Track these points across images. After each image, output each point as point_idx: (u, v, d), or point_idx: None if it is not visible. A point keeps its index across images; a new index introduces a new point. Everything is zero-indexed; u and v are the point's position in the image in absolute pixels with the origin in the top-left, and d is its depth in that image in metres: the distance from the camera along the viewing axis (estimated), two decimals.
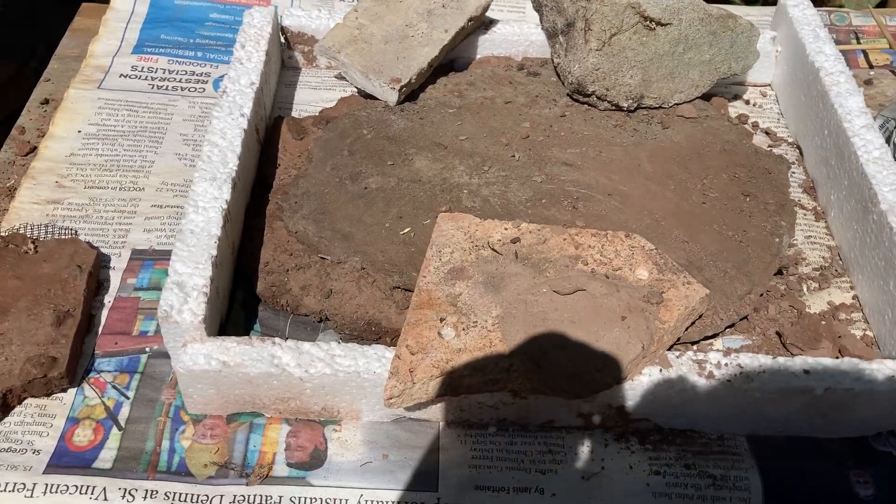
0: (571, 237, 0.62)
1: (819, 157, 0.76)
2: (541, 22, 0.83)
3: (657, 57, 0.76)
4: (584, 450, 0.57)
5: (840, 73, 0.76)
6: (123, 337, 0.62)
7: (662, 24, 0.75)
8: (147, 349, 0.61)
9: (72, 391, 0.58)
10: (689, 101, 0.80)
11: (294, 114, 0.82)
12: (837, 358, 0.61)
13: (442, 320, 0.55)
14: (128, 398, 0.58)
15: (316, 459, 0.55)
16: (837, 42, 0.94)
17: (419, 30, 0.80)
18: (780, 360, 0.56)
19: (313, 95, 0.84)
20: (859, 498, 0.55)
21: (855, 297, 0.67)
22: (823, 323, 0.64)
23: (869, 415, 0.57)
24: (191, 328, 0.55)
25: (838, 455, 0.57)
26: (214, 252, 0.59)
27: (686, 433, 0.58)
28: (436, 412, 0.57)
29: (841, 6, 1.11)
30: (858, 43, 0.94)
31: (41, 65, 0.89)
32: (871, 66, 0.91)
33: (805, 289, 0.68)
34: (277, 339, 0.55)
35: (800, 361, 0.56)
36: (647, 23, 0.74)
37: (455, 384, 0.53)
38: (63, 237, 0.68)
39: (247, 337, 0.55)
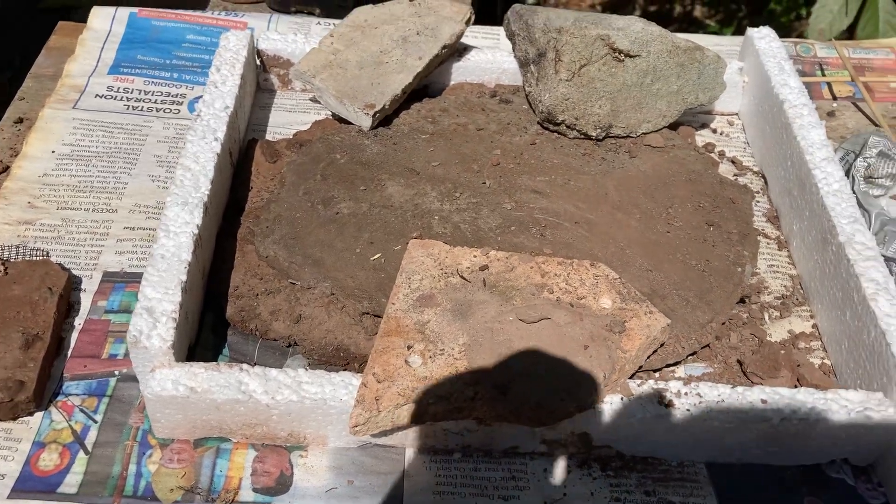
0: (538, 265, 0.63)
1: (782, 188, 0.78)
2: (513, 50, 0.84)
3: (625, 87, 0.78)
4: (547, 476, 0.58)
5: (803, 105, 0.78)
6: (93, 360, 0.62)
7: (631, 56, 0.77)
8: (116, 372, 0.62)
9: (39, 414, 0.59)
10: (657, 131, 0.81)
11: (268, 136, 0.83)
12: (796, 387, 0.63)
13: (409, 348, 0.56)
14: (95, 422, 0.59)
15: (282, 485, 0.56)
16: (803, 73, 0.96)
17: (394, 56, 0.81)
18: (739, 389, 0.58)
19: (288, 118, 0.85)
20: None
21: (815, 325, 0.69)
22: (783, 352, 0.65)
23: (823, 443, 0.58)
24: (159, 353, 0.55)
25: (793, 482, 0.59)
26: (184, 277, 0.59)
27: (647, 460, 0.59)
28: (402, 438, 0.58)
29: (807, 37, 1.14)
30: (823, 74, 0.97)
31: (15, 76, 0.89)
32: (834, 98, 0.94)
33: (766, 317, 0.69)
34: (245, 366, 0.56)
35: (757, 391, 0.58)
36: (616, 54, 0.76)
37: (420, 412, 0.54)
38: (35, 259, 0.68)
39: (215, 363, 0.56)
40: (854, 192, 0.73)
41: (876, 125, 0.87)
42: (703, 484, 0.58)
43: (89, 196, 0.75)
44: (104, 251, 0.70)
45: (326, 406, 0.55)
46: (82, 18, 0.94)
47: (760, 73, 0.84)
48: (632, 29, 0.76)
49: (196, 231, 0.63)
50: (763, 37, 0.87)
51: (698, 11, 2.57)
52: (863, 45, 1.01)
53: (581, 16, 0.77)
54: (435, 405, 0.54)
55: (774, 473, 0.59)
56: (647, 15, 2.38)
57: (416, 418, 0.54)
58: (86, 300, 0.66)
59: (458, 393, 0.54)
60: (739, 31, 2.14)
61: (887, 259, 0.67)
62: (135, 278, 0.68)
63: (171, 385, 0.55)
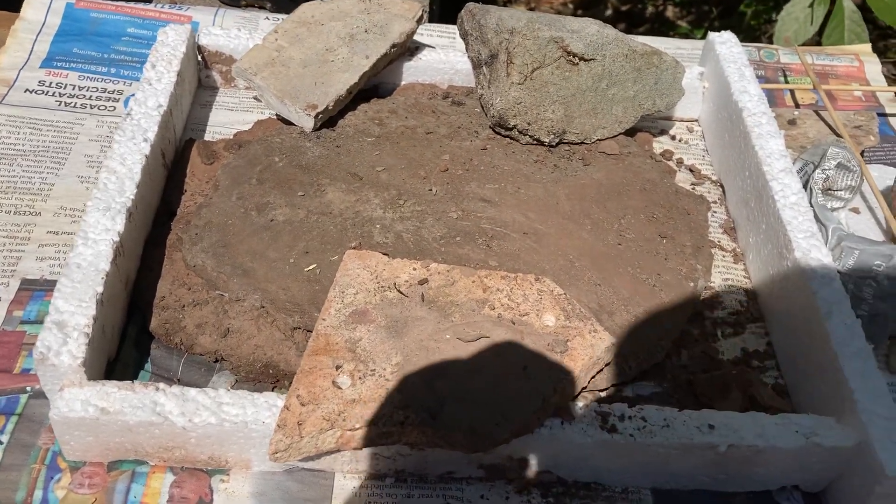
0: (480, 279, 0.60)
1: (740, 198, 0.75)
2: (466, 51, 0.81)
3: (580, 92, 0.75)
4: (484, 502, 0.55)
5: (763, 114, 0.76)
6: (4, 375, 0.58)
7: (586, 60, 0.74)
8: (28, 388, 0.58)
9: None
10: (613, 137, 0.79)
11: (208, 136, 0.79)
12: (747, 409, 0.60)
13: (338, 368, 0.53)
14: (1, 443, 0.55)
15: None
16: (765, 79, 0.94)
17: (340, 55, 0.77)
18: (686, 413, 0.55)
19: (229, 117, 0.81)
20: None
21: (769, 343, 0.67)
22: (735, 371, 0.63)
23: (773, 470, 0.56)
24: (69, 371, 0.52)
25: None
26: (101, 289, 0.55)
27: (590, 486, 0.56)
28: (330, 462, 0.55)
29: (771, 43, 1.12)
30: (787, 81, 0.95)
31: None
32: (797, 106, 0.91)
33: (719, 334, 0.67)
34: (162, 385, 0.52)
35: (705, 415, 0.55)
36: (570, 58, 0.73)
37: (347, 438, 0.50)
38: None
39: (129, 382, 0.52)
40: (811, 205, 0.70)
41: (837, 134, 0.85)
42: None
43: (11, 197, 0.70)
44: (24, 257, 0.66)
45: (248, 429, 0.51)
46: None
47: (720, 79, 0.81)
48: (587, 31, 0.74)
49: (117, 238, 0.59)
50: (724, 42, 0.84)
51: (670, 12, 2.56)
52: (827, 52, 0.99)
53: (535, 16, 0.74)
54: (363, 430, 0.50)
55: (723, 500, 0.57)
56: (618, 15, 2.36)
57: (343, 444, 0.51)
58: (0, 309, 0.62)
59: (387, 417, 0.50)
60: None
61: (843, 276, 0.64)
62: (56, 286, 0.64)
63: (81, 406, 0.51)
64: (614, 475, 0.56)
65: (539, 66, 0.73)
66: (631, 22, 2.50)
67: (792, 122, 0.88)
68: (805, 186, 0.74)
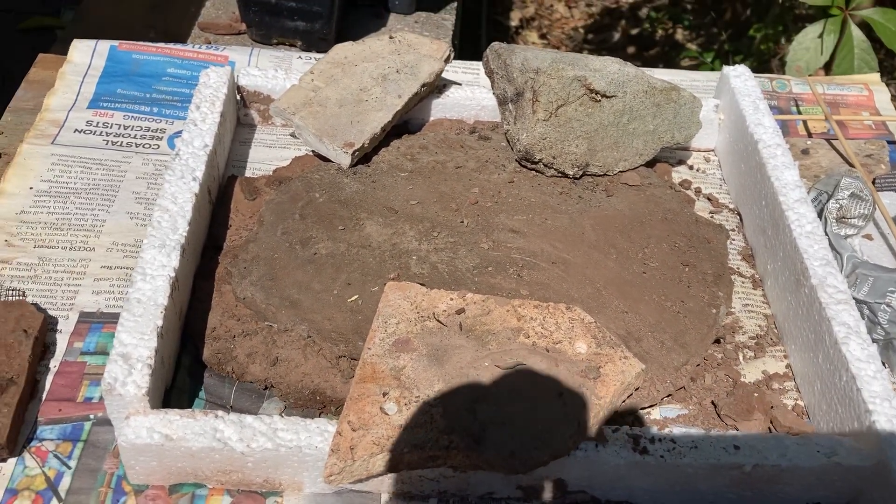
0: (514, 308, 0.63)
1: (757, 226, 0.79)
2: (492, 88, 0.85)
3: (602, 127, 0.79)
4: None
5: (777, 145, 0.79)
6: (68, 403, 0.62)
7: (608, 97, 0.77)
8: (91, 416, 0.62)
9: (12, 461, 0.58)
10: (633, 169, 0.82)
11: (248, 172, 0.83)
12: (769, 429, 0.64)
13: (385, 395, 0.57)
14: (69, 468, 0.58)
15: None
16: (778, 110, 0.98)
17: (373, 94, 0.82)
18: (712, 434, 0.58)
19: (268, 154, 0.85)
20: None
21: (788, 366, 0.70)
22: (756, 394, 0.66)
23: (796, 488, 0.59)
24: (134, 401, 0.55)
25: None
26: (160, 322, 0.59)
27: None
28: (377, 484, 0.58)
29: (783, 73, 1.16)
30: (799, 111, 0.98)
31: None
32: (810, 135, 0.95)
33: (741, 357, 0.70)
34: (220, 413, 0.56)
35: (730, 436, 0.58)
36: (593, 95, 0.77)
37: (395, 461, 0.54)
38: (10, 299, 0.68)
39: (190, 410, 0.56)
40: (826, 234, 0.74)
41: (849, 164, 0.89)
42: None
43: (66, 234, 0.74)
44: (81, 291, 0.70)
45: (302, 454, 0.55)
46: (63, 43, 0.94)
47: (735, 112, 0.85)
48: (608, 70, 0.77)
49: (173, 274, 0.63)
50: (738, 75, 0.88)
51: (679, 35, 2.60)
52: (837, 81, 1.03)
53: (558, 56, 0.78)
54: (410, 454, 0.54)
55: None
56: (629, 38, 2.41)
57: (392, 467, 0.54)
58: (62, 341, 0.66)
59: (433, 442, 0.54)
60: (720, 56, 2.17)
61: (859, 302, 0.68)
62: (111, 318, 0.68)
63: (146, 433, 0.54)
64: (645, 494, 0.59)
65: (563, 103, 0.77)
66: (641, 45, 2.55)
67: (805, 152, 0.91)
68: (819, 215, 0.77)
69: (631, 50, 2.50)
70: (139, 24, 1.19)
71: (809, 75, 1.07)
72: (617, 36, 2.47)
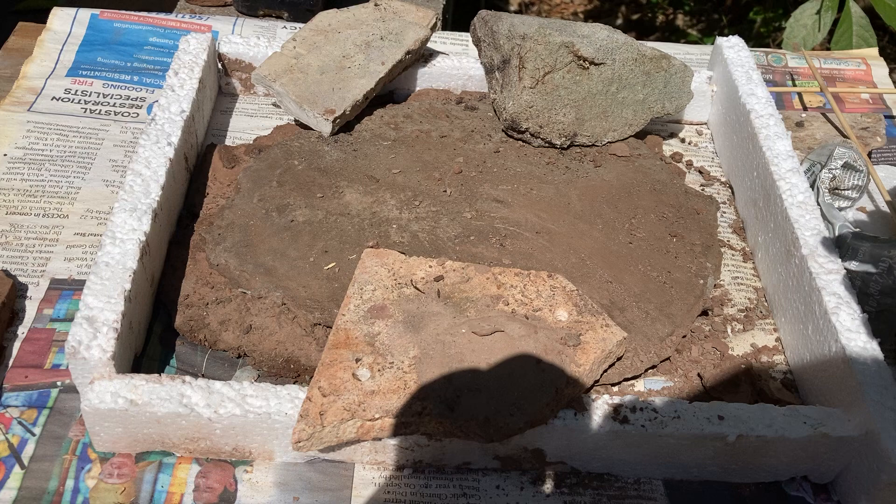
0: (494, 276, 0.61)
1: (748, 198, 0.77)
2: (479, 56, 0.83)
3: (590, 96, 0.77)
4: (500, 493, 0.56)
5: (770, 115, 0.77)
6: (35, 370, 0.61)
7: (596, 64, 0.75)
8: (58, 383, 0.60)
9: None
10: (623, 140, 0.80)
11: (228, 141, 0.81)
12: (756, 402, 0.62)
13: (358, 361, 0.55)
14: (34, 435, 0.57)
15: (225, 501, 0.54)
16: (774, 83, 0.96)
17: (356, 61, 0.80)
18: (696, 405, 0.56)
19: (249, 123, 0.83)
20: None
21: (778, 339, 0.68)
22: (744, 366, 0.64)
23: (782, 460, 0.57)
24: (99, 365, 0.54)
25: (752, 500, 0.57)
26: (129, 286, 0.57)
27: (603, 476, 0.58)
28: (350, 453, 0.56)
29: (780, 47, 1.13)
30: (794, 84, 0.96)
31: None
32: (805, 108, 0.93)
33: (729, 330, 0.68)
34: (188, 378, 0.54)
35: (714, 407, 0.56)
36: (581, 62, 0.75)
37: (367, 427, 0.52)
38: None
39: (156, 375, 0.54)
40: (818, 204, 0.72)
41: (844, 136, 0.86)
42: (659, 501, 0.57)
43: (40, 201, 0.73)
44: (53, 258, 0.68)
45: (271, 420, 0.53)
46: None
47: (728, 83, 0.83)
48: (597, 36, 0.75)
49: (143, 238, 0.61)
50: (732, 46, 0.86)
51: (680, 20, 2.58)
52: (834, 56, 1.01)
53: (546, 22, 0.76)
54: (382, 420, 0.52)
55: (733, 490, 0.58)
56: (629, 24, 2.38)
57: (363, 434, 0.52)
58: (31, 308, 0.65)
59: (406, 408, 0.52)
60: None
61: (850, 272, 0.66)
62: (83, 286, 0.66)
63: (111, 397, 0.53)
64: (627, 466, 0.58)
65: (550, 70, 0.75)
66: (641, 31, 2.52)
67: (799, 125, 0.89)
68: (812, 186, 0.75)
69: (631, 35, 2.47)
70: None
71: (807, 50, 1.05)
72: (618, 21, 2.45)
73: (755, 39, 1.98)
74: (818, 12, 1.17)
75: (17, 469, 0.55)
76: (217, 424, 0.53)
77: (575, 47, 0.74)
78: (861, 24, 1.15)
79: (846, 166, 0.74)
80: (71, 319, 0.64)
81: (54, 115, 0.81)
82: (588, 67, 0.76)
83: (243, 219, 0.68)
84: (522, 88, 0.75)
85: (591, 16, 2.55)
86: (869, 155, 0.84)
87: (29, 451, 0.56)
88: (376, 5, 0.85)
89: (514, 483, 0.57)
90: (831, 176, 0.74)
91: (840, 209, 0.75)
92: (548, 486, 0.57)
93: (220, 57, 0.84)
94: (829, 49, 1.18)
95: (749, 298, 0.71)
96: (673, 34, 2.45)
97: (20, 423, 0.57)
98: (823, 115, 0.91)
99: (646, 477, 0.58)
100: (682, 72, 0.80)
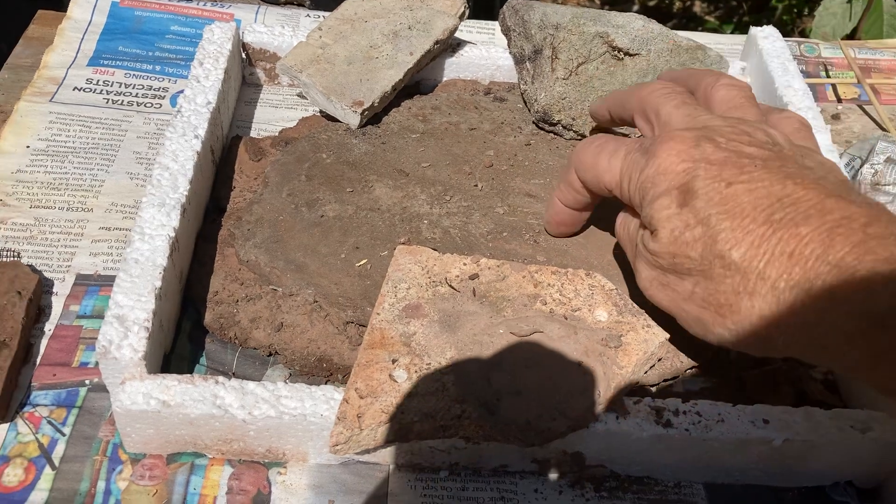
0: (531, 274, 0.60)
1: None
2: (508, 46, 0.81)
3: (624, 87, 0.75)
4: (538, 497, 0.55)
5: (808, 108, 0.75)
6: (63, 368, 0.59)
7: (630, 55, 0.74)
8: (87, 382, 0.59)
9: (3, 427, 0.56)
10: None
11: (253, 133, 0.80)
12: (798, 404, 0.60)
13: (394, 361, 0.54)
14: (63, 435, 0.56)
15: None
16: (807, 74, 0.93)
17: (384, 51, 0.78)
18: (739, 408, 0.55)
19: (274, 114, 0.82)
20: None
21: None
22: (784, 367, 0.62)
23: (826, 465, 0.56)
24: (130, 365, 0.52)
25: None
26: (159, 283, 0.56)
27: (643, 480, 0.57)
28: (385, 455, 0.55)
29: (810, 36, 1.11)
30: (828, 75, 0.94)
31: (1, 65, 0.85)
32: (839, 100, 0.91)
33: None
34: (221, 378, 0.53)
35: (759, 410, 0.55)
36: (616, 53, 0.73)
37: (405, 430, 0.51)
38: (4, 260, 0.65)
39: (189, 375, 0.53)
40: None
41: (883, 129, 0.85)
42: None
43: (64, 194, 0.71)
44: (78, 252, 0.67)
45: (306, 422, 0.52)
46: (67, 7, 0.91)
47: (764, 74, 0.81)
48: (632, 27, 0.73)
49: (173, 234, 0.60)
50: (766, 36, 0.84)
51: (697, 7, 2.54)
52: (868, 46, 0.99)
53: (580, 12, 0.74)
54: (420, 423, 0.51)
55: (776, 495, 0.57)
56: (646, 10, 2.36)
57: (401, 437, 0.51)
58: (57, 304, 0.63)
59: (444, 411, 0.51)
60: (739, 28, 2.12)
61: None
62: (109, 281, 0.65)
63: (143, 398, 0.52)
64: (667, 470, 0.56)
65: (584, 61, 0.73)
66: (658, 18, 2.50)
67: (836, 117, 0.87)
68: (853, 180, 0.73)
69: None
70: None
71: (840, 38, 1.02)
72: (635, 8, 2.42)
73: (777, 27, 1.96)
74: (848, 1, 1.14)
75: (47, 470, 0.54)
76: (251, 426, 0.52)
77: (610, 37, 0.72)
78: (892, 13, 1.13)
79: (889, 161, 0.72)
80: (98, 316, 0.63)
81: (77, 105, 0.80)
82: (623, 58, 0.74)
83: (272, 214, 0.67)
84: (555, 80, 0.73)
85: (607, 2, 2.52)
86: None
87: (59, 452, 0.55)
88: None
89: (553, 486, 0.56)
90: (873, 171, 0.72)
91: None
92: (587, 490, 0.56)
93: (244, 46, 0.83)
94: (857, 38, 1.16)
95: None
96: (690, 21, 2.42)
97: (50, 422, 0.56)
98: (860, 106, 0.89)
99: (686, 481, 0.57)
100: (717, 63, 0.78)
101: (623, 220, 0.55)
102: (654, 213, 0.47)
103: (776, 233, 0.42)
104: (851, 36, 1.17)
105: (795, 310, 0.42)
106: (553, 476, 0.56)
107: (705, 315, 0.47)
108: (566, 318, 0.57)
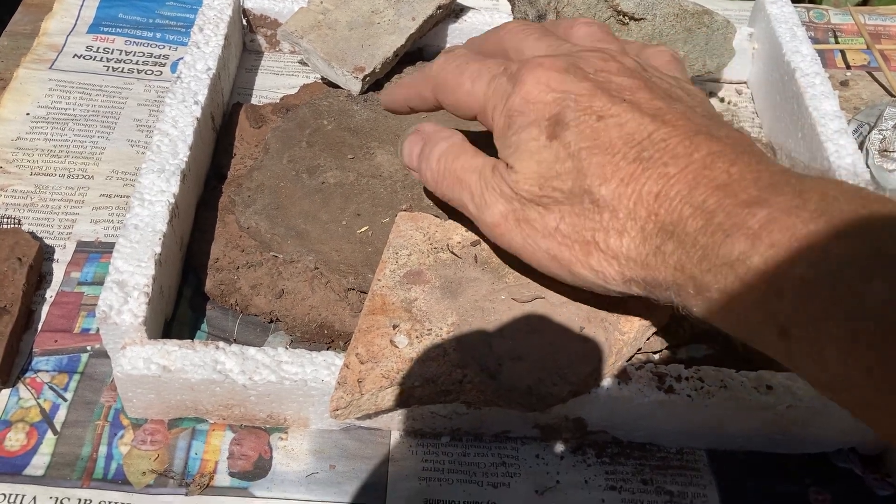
0: None
1: (792, 160, 0.74)
2: (512, 12, 0.80)
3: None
4: (539, 462, 0.55)
5: (816, 74, 0.74)
6: (64, 334, 0.59)
7: (636, 19, 0.72)
8: (88, 348, 0.59)
9: (5, 392, 0.56)
10: None
11: (254, 100, 0.79)
12: None
13: (395, 327, 0.53)
14: (65, 400, 0.56)
15: (260, 469, 0.53)
16: (815, 40, 0.92)
17: (386, 16, 0.77)
18: (742, 374, 0.55)
19: (275, 81, 0.81)
20: None
21: None
22: None
23: (830, 431, 0.55)
24: (130, 330, 0.52)
25: (798, 472, 0.56)
26: (159, 249, 0.56)
27: (645, 446, 0.57)
28: (387, 421, 0.55)
29: (820, 3, 1.09)
30: (836, 41, 0.93)
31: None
32: (848, 67, 0.90)
33: None
34: (221, 344, 0.53)
35: (763, 376, 0.55)
36: (620, 17, 0.72)
37: (406, 395, 0.51)
38: (4, 227, 0.65)
39: (189, 340, 0.53)
40: (868, 167, 0.69)
41: (892, 95, 0.83)
42: (703, 472, 0.55)
43: (64, 161, 0.71)
44: (79, 220, 0.67)
45: (307, 387, 0.52)
46: None
47: (771, 40, 0.80)
48: None
49: (173, 200, 0.59)
50: (775, 1, 0.83)
51: None
52: (879, 12, 0.97)
53: None
54: (421, 388, 0.51)
55: (778, 462, 0.57)
56: None
57: (401, 402, 0.51)
58: (58, 271, 0.63)
59: (445, 376, 0.51)
60: None
61: None
62: (110, 248, 0.64)
63: (143, 363, 0.52)
64: (670, 436, 0.56)
65: None
66: None
67: (844, 84, 0.86)
68: (861, 147, 0.72)
69: None
70: None
71: (851, 5, 1.01)
72: None
73: None
74: None
75: (49, 435, 0.54)
76: (252, 391, 0.52)
77: (614, 1, 0.71)
78: None
79: None
80: (99, 283, 0.63)
81: (77, 73, 0.79)
82: (628, 23, 0.73)
83: (273, 180, 0.66)
84: None
85: None
86: None
87: (61, 417, 0.55)
88: None
89: (554, 452, 0.56)
90: (881, 137, 0.71)
91: (890, 171, 0.72)
92: (589, 456, 0.56)
93: (245, 12, 0.82)
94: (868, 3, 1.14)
95: None
96: None
97: (51, 387, 0.56)
98: (869, 73, 0.87)
99: (689, 447, 0.57)
100: (724, 28, 0.77)
101: (446, 149, 0.52)
102: (521, 143, 0.46)
103: (645, 171, 0.41)
104: (864, 3, 1.15)
105: (661, 251, 0.41)
106: (555, 442, 0.56)
107: (567, 253, 0.45)
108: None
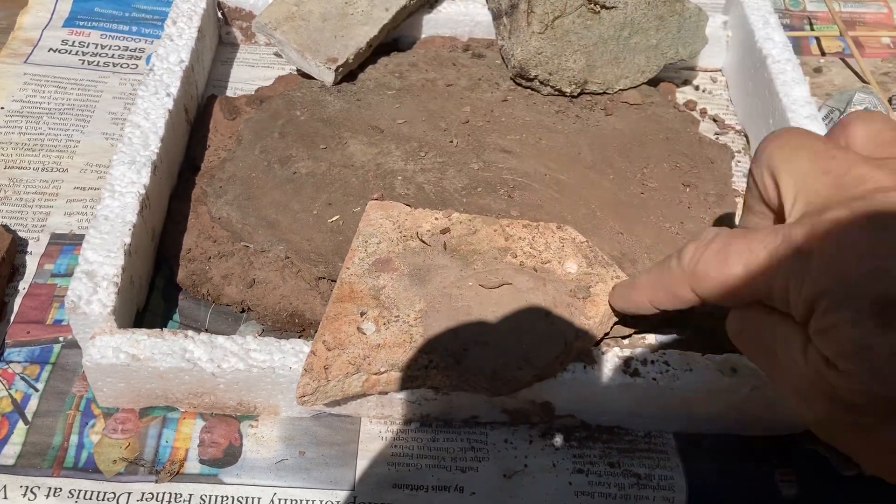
0: (502, 228, 0.60)
1: None
2: (487, 2, 0.81)
3: (601, 41, 0.74)
4: (508, 447, 0.55)
5: (787, 60, 0.75)
6: (37, 326, 0.60)
7: (607, 8, 0.73)
8: (61, 339, 0.59)
9: None
10: (635, 87, 0.78)
11: (229, 92, 0.79)
12: None
13: (363, 314, 0.54)
14: (37, 390, 0.56)
15: (230, 456, 0.54)
16: (790, 28, 0.92)
17: (359, 8, 0.77)
18: (708, 358, 0.55)
19: (251, 73, 0.81)
20: (782, 497, 0.55)
21: None
22: None
23: (796, 413, 0.56)
24: (100, 319, 0.53)
25: (765, 453, 0.57)
26: (128, 240, 0.56)
27: (612, 430, 0.57)
28: (356, 408, 0.56)
29: None
30: (812, 29, 0.93)
31: None
32: (823, 54, 0.90)
33: None
34: (190, 332, 0.53)
35: (728, 359, 0.55)
36: (592, 6, 0.72)
37: (372, 381, 0.51)
38: None
39: (158, 329, 0.53)
40: None
41: (864, 82, 0.84)
42: (670, 455, 0.56)
43: (39, 155, 0.71)
44: (53, 212, 0.67)
45: (276, 375, 0.52)
46: None
47: (744, 27, 0.80)
48: None
49: (143, 191, 0.60)
50: None
51: None
52: None
53: None
54: (387, 374, 0.51)
55: (745, 444, 0.57)
56: None
57: (368, 388, 0.51)
58: (31, 263, 0.64)
59: (412, 361, 0.51)
60: None
61: None
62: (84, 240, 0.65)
63: (112, 353, 0.52)
64: (637, 419, 0.57)
65: (560, 14, 0.72)
66: None
67: (818, 70, 0.87)
68: None
69: None
70: None
71: None
72: None
73: None
74: None
75: (20, 425, 0.54)
76: (220, 379, 0.53)
77: None
78: None
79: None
80: (72, 274, 0.63)
81: (52, 66, 0.80)
82: (599, 11, 0.73)
83: (245, 171, 0.67)
84: (531, 34, 0.72)
85: None
86: (889, 101, 0.82)
87: (32, 407, 0.55)
88: None
89: (523, 436, 0.56)
90: None
91: None
92: (557, 440, 0.56)
93: (220, 5, 0.82)
94: None
95: None
96: None
97: (23, 378, 0.57)
98: (843, 60, 0.88)
99: (657, 430, 0.57)
100: (696, 16, 0.77)
101: (754, 318, 0.42)
102: (840, 334, 0.34)
103: None
104: None
105: None
106: (523, 426, 0.56)
107: None
108: (536, 271, 0.57)
